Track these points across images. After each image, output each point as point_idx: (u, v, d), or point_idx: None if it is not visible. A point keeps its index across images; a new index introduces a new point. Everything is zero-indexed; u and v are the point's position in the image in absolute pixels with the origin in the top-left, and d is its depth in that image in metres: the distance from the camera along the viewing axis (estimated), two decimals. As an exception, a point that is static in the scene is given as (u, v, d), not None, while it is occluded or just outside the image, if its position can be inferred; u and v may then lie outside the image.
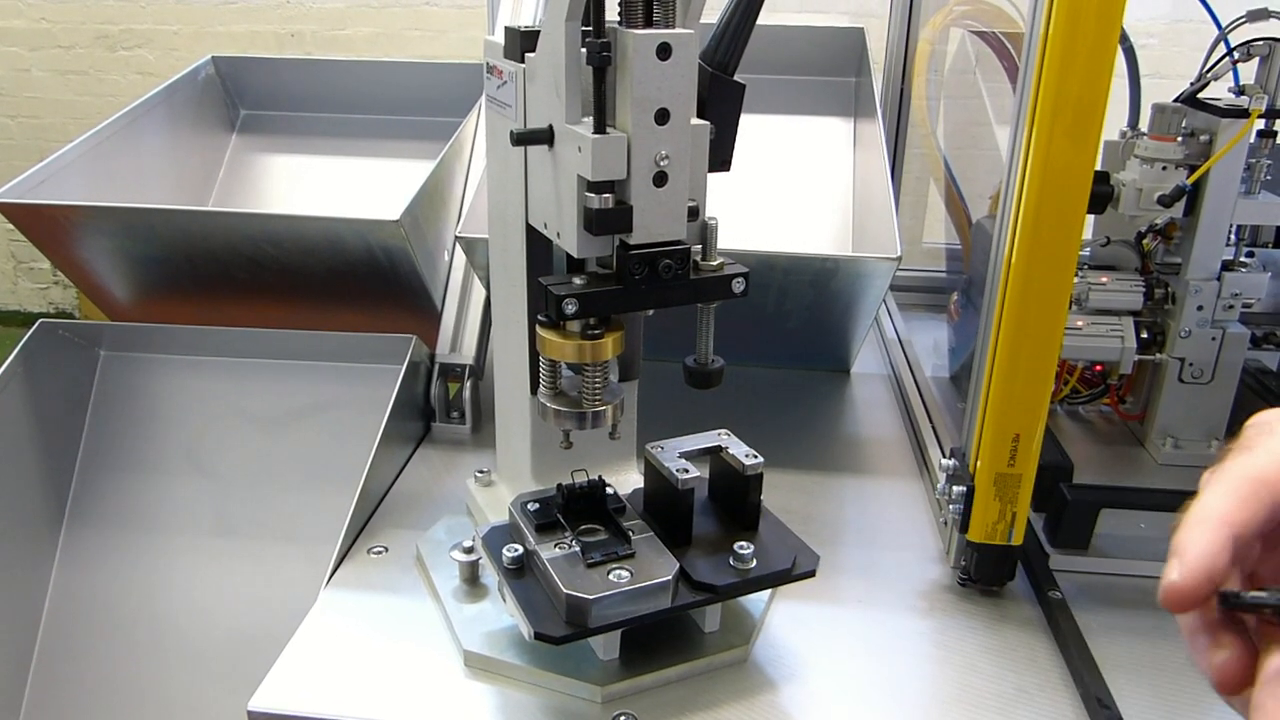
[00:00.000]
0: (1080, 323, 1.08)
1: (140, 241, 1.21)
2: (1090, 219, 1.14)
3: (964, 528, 0.85)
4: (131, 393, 1.19)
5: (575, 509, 0.78)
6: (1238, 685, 0.40)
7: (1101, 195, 1.04)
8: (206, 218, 1.24)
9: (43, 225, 1.20)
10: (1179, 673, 0.78)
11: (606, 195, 0.66)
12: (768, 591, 0.83)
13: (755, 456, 0.78)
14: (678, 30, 0.65)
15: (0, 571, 1.06)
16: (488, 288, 1.14)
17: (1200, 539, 0.39)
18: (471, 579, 0.85)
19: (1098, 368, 1.14)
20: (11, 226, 1.19)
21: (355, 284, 1.21)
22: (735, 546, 0.75)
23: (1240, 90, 1.01)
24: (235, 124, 1.61)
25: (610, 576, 0.71)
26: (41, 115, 3.84)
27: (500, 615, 0.80)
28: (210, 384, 1.19)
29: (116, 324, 1.24)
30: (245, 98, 1.61)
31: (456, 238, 1.07)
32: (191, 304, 1.30)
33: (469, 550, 0.84)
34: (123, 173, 1.35)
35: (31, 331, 1.14)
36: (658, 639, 0.77)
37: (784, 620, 0.83)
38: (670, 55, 0.64)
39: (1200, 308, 1.05)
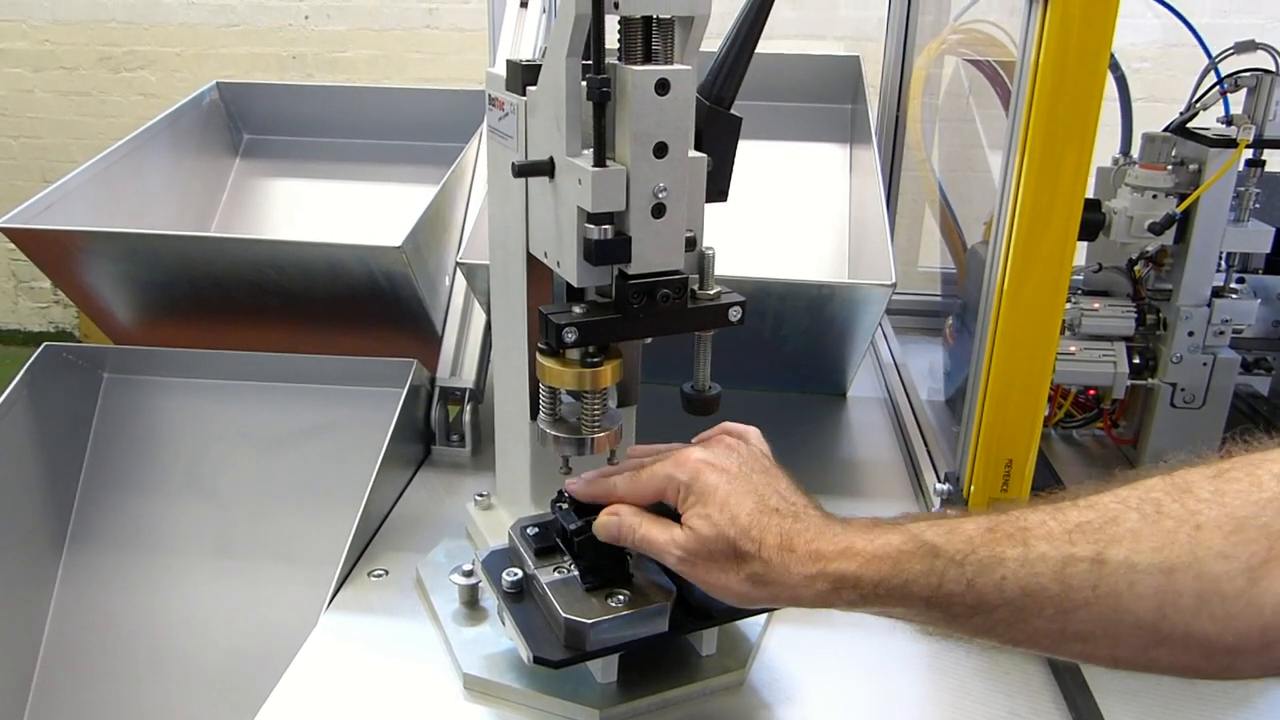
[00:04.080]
0: (1073, 348, 1.09)
1: (144, 266, 1.22)
2: (1083, 246, 1.16)
3: (958, 552, 0.86)
4: (134, 415, 1.20)
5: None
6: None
7: (1093, 223, 1.06)
8: (210, 243, 1.25)
9: (48, 250, 1.21)
10: (1171, 696, 0.79)
11: (606, 226, 0.67)
12: (764, 615, 0.84)
13: (752, 482, 0.79)
14: (676, 66, 0.67)
15: (2, 591, 1.06)
16: (488, 312, 1.16)
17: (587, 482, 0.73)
18: (471, 602, 0.85)
19: (1091, 392, 1.15)
20: (12, 246, 1.20)
21: (357, 308, 1.22)
22: (732, 571, 0.75)
23: (1229, 120, 1.03)
24: (239, 149, 1.62)
25: (609, 601, 0.72)
26: (44, 136, 3.87)
27: (499, 638, 0.81)
28: (212, 406, 1.20)
29: (120, 347, 1.25)
30: (249, 123, 1.62)
31: (457, 264, 1.09)
32: (194, 327, 1.31)
33: (469, 574, 0.85)
34: (127, 197, 1.36)
35: (36, 354, 1.15)
36: (655, 662, 0.78)
37: (780, 643, 0.84)
38: (669, 91, 0.65)
39: (1191, 333, 1.06)
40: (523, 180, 0.76)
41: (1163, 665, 0.50)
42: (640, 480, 0.70)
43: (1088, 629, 0.51)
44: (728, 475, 0.66)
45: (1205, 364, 1.07)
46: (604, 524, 0.70)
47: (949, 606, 0.56)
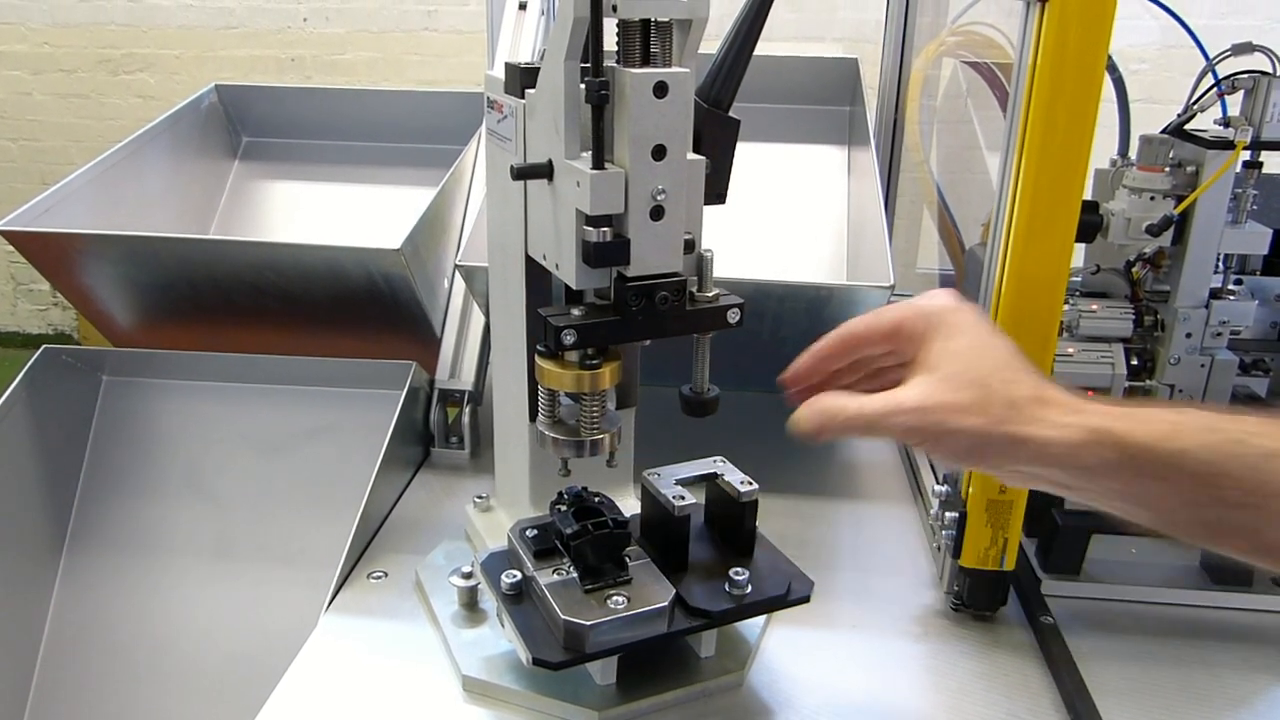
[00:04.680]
0: (1071, 350, 1.09)
1: (143, 269, 1.22)
2: (1080, 247, 1.16)
3: (956, 553, 0.86)
4: (133, 417, 1.20)
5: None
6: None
7: (1090, 224, 1.06)
8: (210, 246, 1.25)
9: (48, 252, 1.21)
10: (1170, 697, 0.79)
11: (605, 229, 0.67)
12: (763, 617, 0.84)
13: (750, 484, 0.79)
14: (674, 69, 0.67)
15: (2, 593, 1.07)
16: (487, 315, 1.16)
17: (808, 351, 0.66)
18: (470, 604, 0.85)
19: (1089, 393, 1.15)
20: (11, 248, 1.20)
21: (356, 310, 1.22)
22: (731, 572, 0.76)
23: (1226, 122, 1.03)
24: (238, 151, 1.62)
25: (608, 603, 0.72)
26: (43, 138, 3.87)
27: (499, 640, 0.81)
28: (211, 409, 1.20)
29: (119, 349, 1.25)
30: (248, 125, 1.62)
31: (456, 266, 1.09)
32: (193, 329, 1.31)
33: (468, 576, 0.85)
34: (127, 200, 1.37)
35: (35, 357, 1.15)
36: (654, 664, 0.78)
37: (779, 645, 0.84)
38: (667, 93, 0.66)
39: (1189, 335, 1.06)
40: (521, 183, 0.76)
41: None
42: (882, 310, 0.63)
43: None
44: (981, 318, 0.60)
45: (1203, 365, 1.07)
46: (801, 416, 0.61)
47: (1222, 489, 0.51)
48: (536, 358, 0.75)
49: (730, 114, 0.74)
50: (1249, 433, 0.51)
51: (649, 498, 0.79)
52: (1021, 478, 0.58)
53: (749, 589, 0.75)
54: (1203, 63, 1.04)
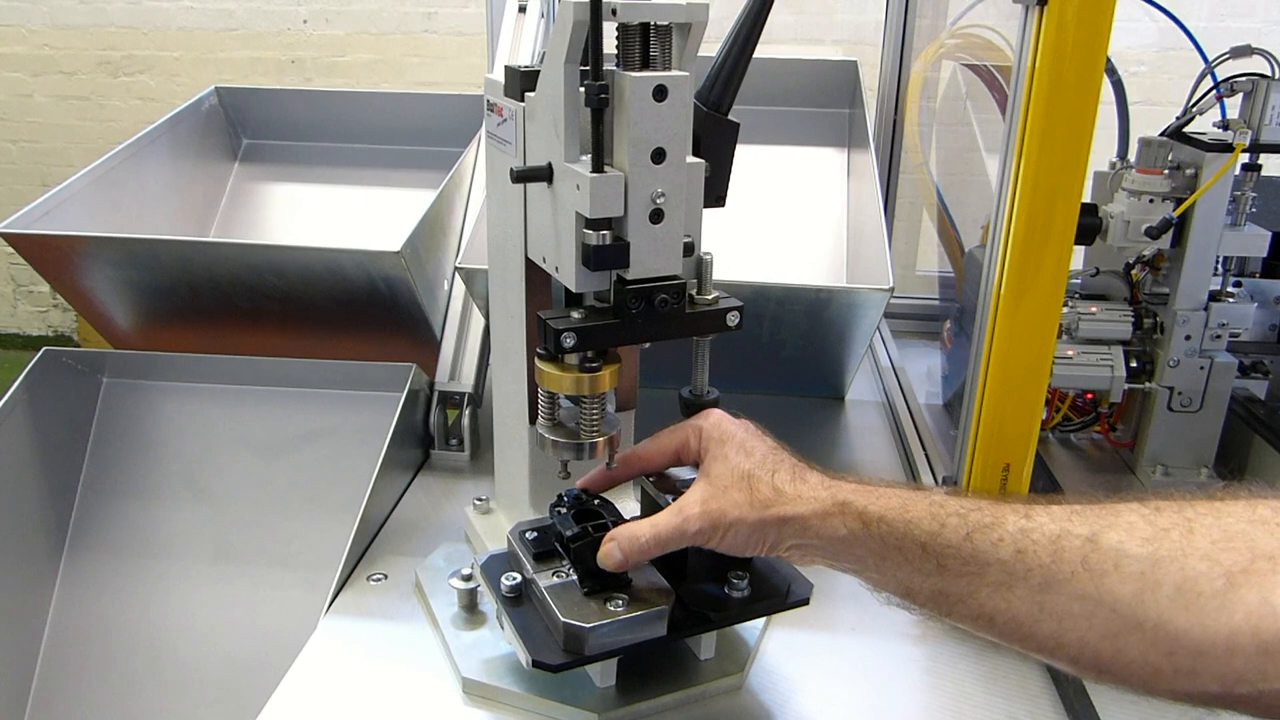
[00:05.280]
0: (1071, 352, 1.09)
1: (144, 271, 1.22)
2: (1080, 250, 1.16)
3: (956, 555, 0.86)
4: (133, 419, 1.21)
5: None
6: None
7: (1090, 227, 1.06)
8: (210, 248, 1.25)
9: (48, 255, 1.21)
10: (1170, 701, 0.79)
11: (604, 232, 0.68)
12: (762, 619, 0.84)
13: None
14: (673, 73, 0.67)
15: (2, 596, 1.07)
16: (487, 317, 1.16)
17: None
18: (470, 606, 0.85)
19: (1089, 396, 1.15)
20: (12, 250, 1.20)
21: (356, 313, 1.23)
22: (730, 575, 0.76)
23: (1225, 125, 1.03)
24: (238, 153, 1.62)
25: (607, 605, 0.72)
26: (43, 140, 3.87)
27: (498, 643, 0.81)
28: (211, 411, 1.20)
29: (119, 351, 1.25)
30: (248, 127, 1.63)
31: (456, 268, 1.09)
32: (193, 331, 1.31)
33: (467, 578, 0.85)
34: (127, 202, 1.37)
35: (35, 359, 1.15)
36: (654, 666, 0.78)
37: (778, 647, 0.84)
38: (666, 97, 0.66)
39: (1188, 337, 1.07)
40: (521, 185, 0.76)
41: (1128, 659, 0.52)
42: (662, 435, 0.73)
43: (1066, 606, 0.53)
44: (746, 429, 0.70)
45: (1202, 368, 1.07)
46: (606, 551, 0.70)
47: (944, 557, 0.58)
48: (536, 360, 0.75)
49: (730, 117, 0.74)
50: (968, 508, 0.58)
51: (648, 501, 0.79)
52: (799, 553, 0.66)
53: (748, 591, 0.75)
54: (1201, 65, 1.04)
